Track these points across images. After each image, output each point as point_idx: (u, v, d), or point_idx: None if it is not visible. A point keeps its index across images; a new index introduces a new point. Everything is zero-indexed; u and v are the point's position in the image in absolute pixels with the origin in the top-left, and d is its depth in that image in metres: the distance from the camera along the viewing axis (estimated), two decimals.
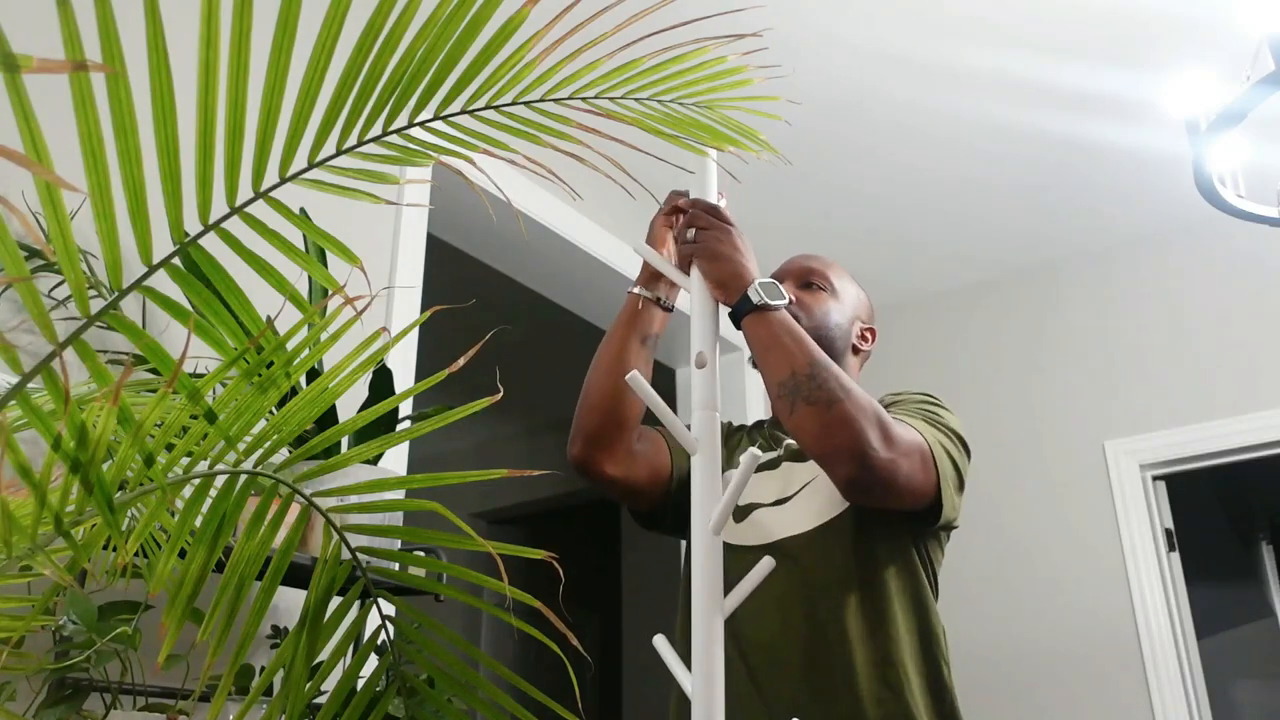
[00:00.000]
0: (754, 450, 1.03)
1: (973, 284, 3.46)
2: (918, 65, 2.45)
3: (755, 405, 3.22)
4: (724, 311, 1.27)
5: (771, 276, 1.59)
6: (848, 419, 1.22)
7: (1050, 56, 2.41)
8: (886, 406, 1.45)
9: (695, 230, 1.30)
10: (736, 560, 1.35)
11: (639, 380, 1.07)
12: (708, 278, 1.23)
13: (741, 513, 1.47)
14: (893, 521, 1.39)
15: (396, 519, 1.46)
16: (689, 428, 1.01)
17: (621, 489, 1.48)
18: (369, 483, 0.74)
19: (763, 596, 1.34)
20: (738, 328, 1.33)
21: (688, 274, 1.24)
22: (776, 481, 1.48)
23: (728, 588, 1.33)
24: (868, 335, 1.63)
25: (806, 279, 1.59)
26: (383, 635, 0.81)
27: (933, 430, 1.37)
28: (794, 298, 1.53)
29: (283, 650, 0.74)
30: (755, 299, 1.29)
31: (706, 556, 0.95)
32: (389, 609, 0.79)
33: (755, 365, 1.39)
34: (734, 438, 1.63)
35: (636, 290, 1.49)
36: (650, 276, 1.49)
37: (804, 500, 1.43)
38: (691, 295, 1.20)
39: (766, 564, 1.02)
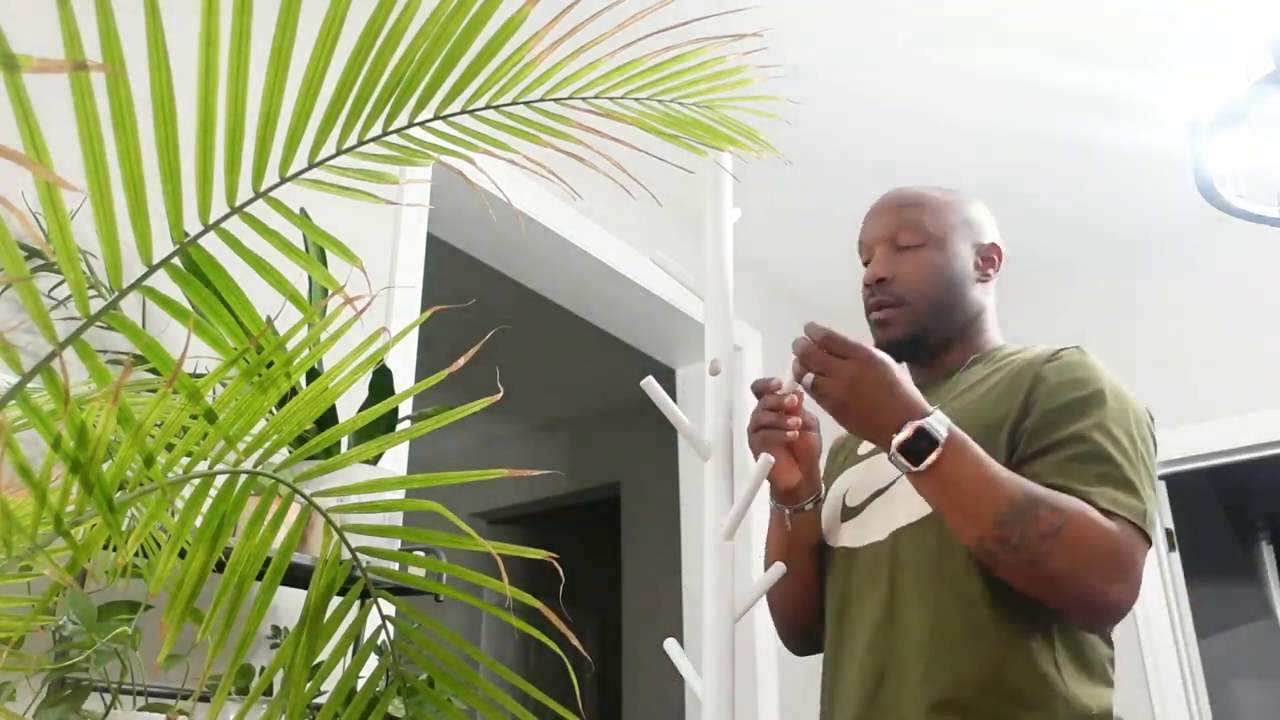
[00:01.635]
0: (766, 456, 1.00)
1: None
2: (915, 65, 2.45)
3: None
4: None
5: (860, 244, 1.43)
6: (1062, 573, 1.05)
7: (1053, 55, 2.40)
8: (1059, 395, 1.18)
9: (814, 378, 1.12)
10: (845, 562, 1.30)
11: (653, 386, 1.06)
12: (847, 428, 1.12)
13: (849, 512, 1.33)
14: None
15: (396, 519, 1.46)
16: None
17: None
18: (369, 483, 0.74)
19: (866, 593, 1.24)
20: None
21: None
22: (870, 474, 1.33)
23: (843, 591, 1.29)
24: (992, 257, 1.38)
25: (898, 239, 1.36)
26: (383, 635, 0.81)
27: (1141, 494, 1.13)
28: (892, 272, 1.35)
29: (283, 650, 0.74)
30: (900, 468, 1.10)
31: (717, 562, 0.94)
32: (389, 609, 0.79)
33: None
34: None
35: (775, 507, 1.33)
36: (785, 490, 1.29)
37: (893, 498, 1.27)
38: (705, 302, 1.16)
39: (776, 570, 1.00)
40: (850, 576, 1.28)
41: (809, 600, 1.35)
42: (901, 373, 1.13)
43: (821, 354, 1.12)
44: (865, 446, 1.39)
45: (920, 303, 1.34)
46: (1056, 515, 1.06)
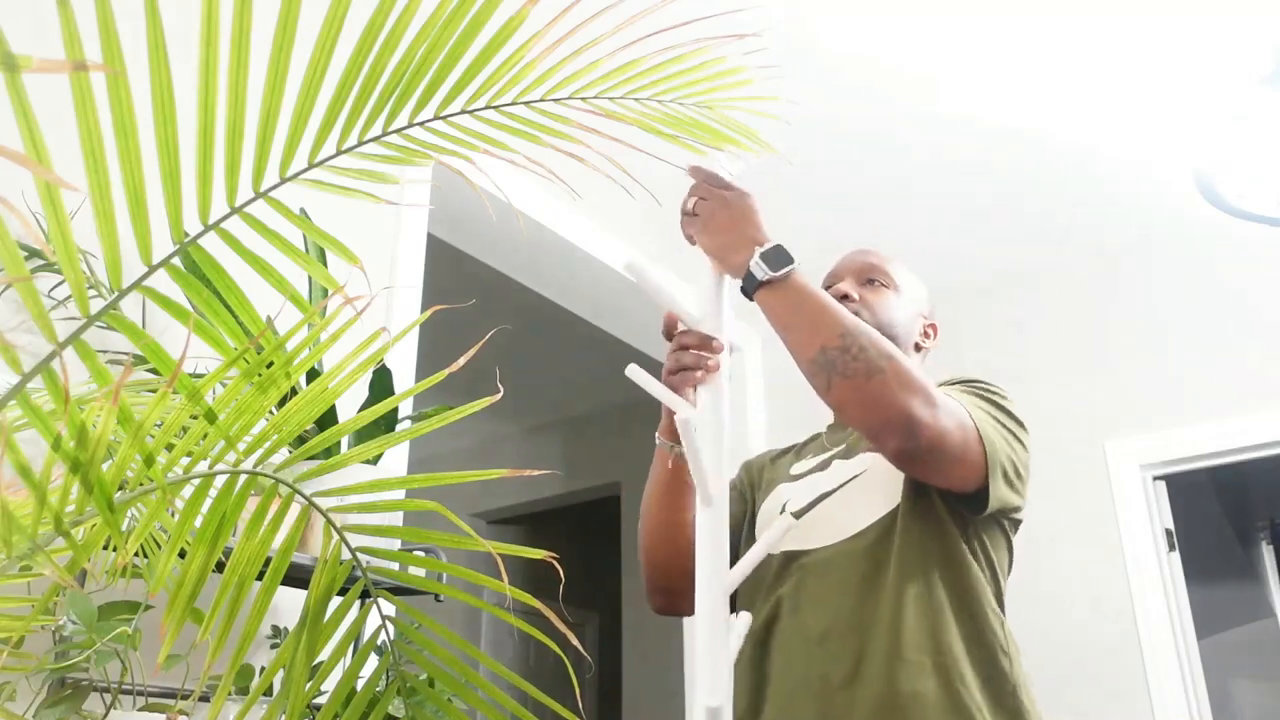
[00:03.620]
0: (789, 518, 1.00)
1: (972, 287, 3.46)
2: (910, 70, 2.45)
3: (755, 405, 3.22)
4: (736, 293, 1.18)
5: (829, 274, 1.54)
6: (890, 388, 1.14)
7: (1046, 53, 2.41)
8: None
9: (695, 202, 1.22)
10: (778, 563, 1.34)
11: (639, 373, 1.05)
12: (707, 253, 1.17)
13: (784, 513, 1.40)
14: (939, 517, 1.31)
15: (396, 519, 1.46)
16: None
17: None
18: (369, 483, 0.75)
19: (818, 588, 1.29)
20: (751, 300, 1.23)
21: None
22: (823, 480, 1.41)
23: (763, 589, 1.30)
24: (930, 331, 1.56)
25: (868, 275, 1.50)
26: (383, 635, 0.81)
27: (982, 410, 1.28)
28: (859, 295, 1.46)
29: (283, 650, 0.74)
30: (759, 273, 1.18)
31: (710, 620, 0.92)
32: (389, 609, 0.79)
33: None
34: (807, 447, 1.55)
35: (662, 442, 1.36)
36: (671, 426, 1.33)
37: (847, 499, 1.35)
38: (703, 299, 1.15)
39: (784, 523, 1.01)
40: (803, 579, 1.31)
41: (685, 549, 1.31)
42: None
43: (707, 186, 1.23)
44: (801, 466, 1.47)
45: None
46: (895, 349, 1.18)
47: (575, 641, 0.70)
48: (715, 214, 1.21)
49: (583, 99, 0.82)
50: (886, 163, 2.82)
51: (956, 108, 2.59)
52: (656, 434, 1.36)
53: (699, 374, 1.11)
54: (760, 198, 1.25)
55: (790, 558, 1.34)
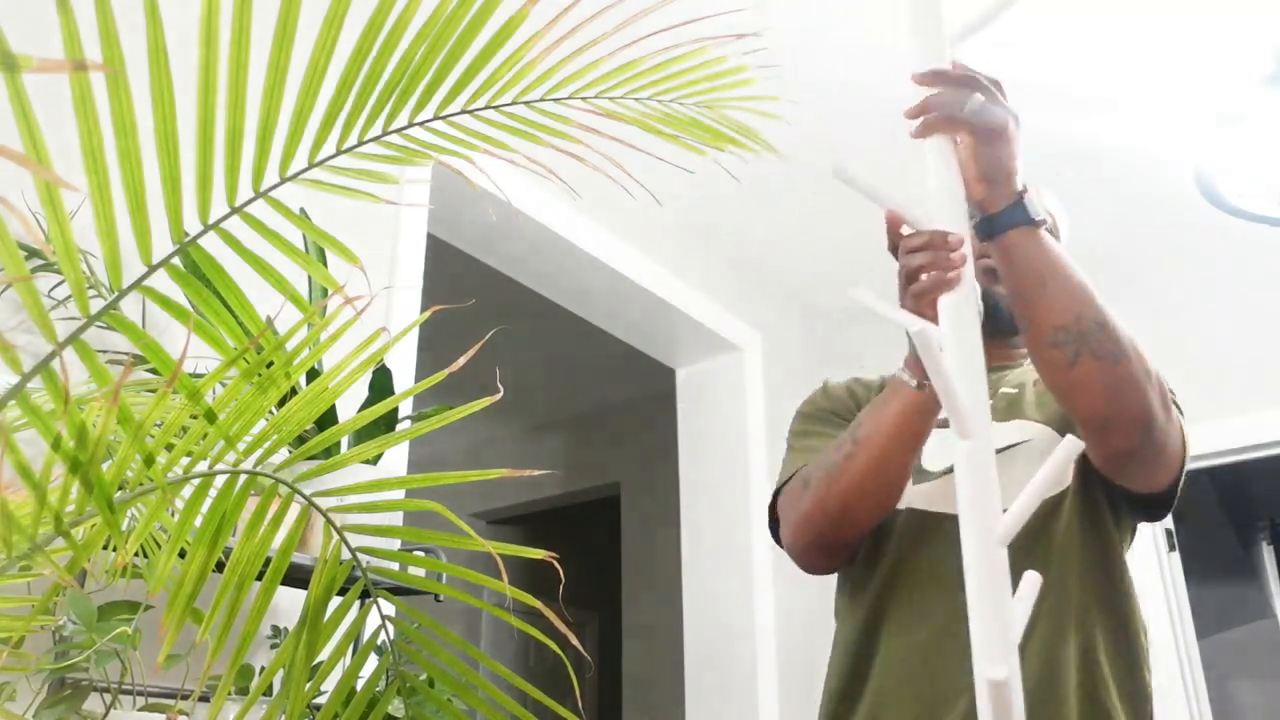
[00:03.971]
0: (1072, 439, 0.71)
1: None
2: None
3: (754, 406, 3.21)
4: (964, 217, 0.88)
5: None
6: (1138, 379, 1.03)
7: (1053, 55, 2.41)
8: None
9: (978, 97, 0.92)
10: (932, 525, 1.20)
11: (865, 294, 0.77)
12: (978, 162, 0.99)
13: (923, 475, 1.26)
14: (1101, 509, 1.22)
15: (396, 519, 1.46)
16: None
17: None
18: (369, 483, 0.74)
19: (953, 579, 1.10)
20: (985, 239, 1.06)
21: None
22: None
23: (920, 553, 1.18)
24: None
25: None
26: (382, 635, 0.81)
27: (1177, 409, 1.18)
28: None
29: (283, 650, 0.74)
30: (1034, 211, 1.02)
31: (988, 574, 0.71)
32: (389, 609, 0.79)
33: (1001, 290, 1.12)
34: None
35: (905, 377, 1.13)
36: (916, 359, 1.11)
37: (1005, 468, 1.12)
38: (932, 185, 0.88)
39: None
40: (946, 549, 1.13)
41: (884, 507, 1.18)
42: None
43: (989, 88, 0.97)
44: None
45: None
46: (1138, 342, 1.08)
47: (575, 641, 0.70)
48: (1009, 126, 1.00)
49: (583, 99, 0.82)
50: (885, 163, 2.82)
51: None
52: (896, 371, 1.16)
53: (941, 280, 0.83)
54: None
55: (924, 520, 1.21)
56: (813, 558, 1.25)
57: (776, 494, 1.32)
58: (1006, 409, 1.28)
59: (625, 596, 4.66)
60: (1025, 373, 1.35)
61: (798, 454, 1.33)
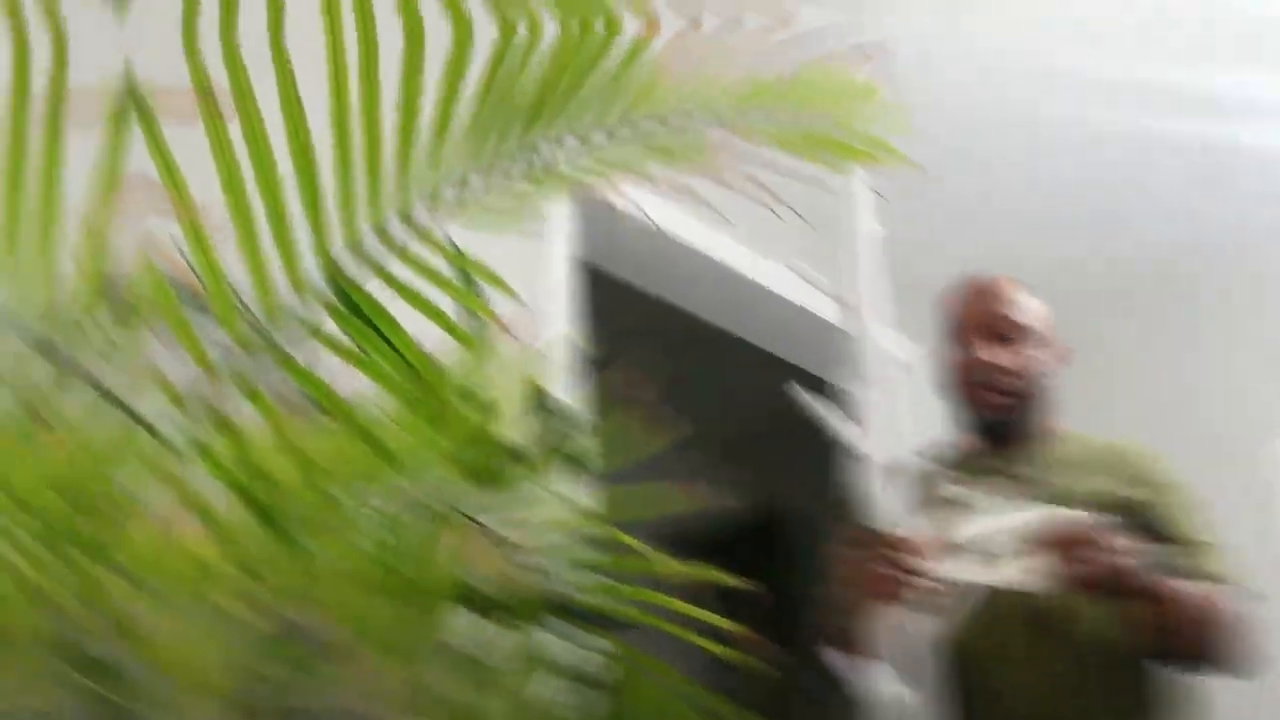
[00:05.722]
0: None
1: (1121, 288, 3.27)
2: (1041, 72, 2.36)
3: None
4: None
5: (955, 324, 1.48)
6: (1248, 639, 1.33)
7: (1179, 60, 2.28)
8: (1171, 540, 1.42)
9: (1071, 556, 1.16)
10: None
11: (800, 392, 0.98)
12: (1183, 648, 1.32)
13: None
14: None
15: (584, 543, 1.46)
16: None
17: None
18: (551, 511, 0.74)
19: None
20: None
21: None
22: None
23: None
24: (1065, 356, 1.52)
25: (997, 329, 1.44)
26: (586, 665, 0.80)
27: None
28: (998, 360, 1.42)
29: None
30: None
31: None
32: (587, 638, 0.79)
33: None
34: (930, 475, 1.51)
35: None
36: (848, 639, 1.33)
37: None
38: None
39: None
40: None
41: None
42: None
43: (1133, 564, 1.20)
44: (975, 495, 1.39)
45: (1021, 389, 1.45)
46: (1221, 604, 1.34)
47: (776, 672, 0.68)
48: (1126, 579, 1.20)
49: (714, 115, 0.80)
50: (1020, 173, 2.71)
51: (1090, 110, 2.47)
52: None
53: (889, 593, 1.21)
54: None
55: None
56: None
57: None
58: (1061, 493, 1.32)
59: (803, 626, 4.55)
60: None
61: None
